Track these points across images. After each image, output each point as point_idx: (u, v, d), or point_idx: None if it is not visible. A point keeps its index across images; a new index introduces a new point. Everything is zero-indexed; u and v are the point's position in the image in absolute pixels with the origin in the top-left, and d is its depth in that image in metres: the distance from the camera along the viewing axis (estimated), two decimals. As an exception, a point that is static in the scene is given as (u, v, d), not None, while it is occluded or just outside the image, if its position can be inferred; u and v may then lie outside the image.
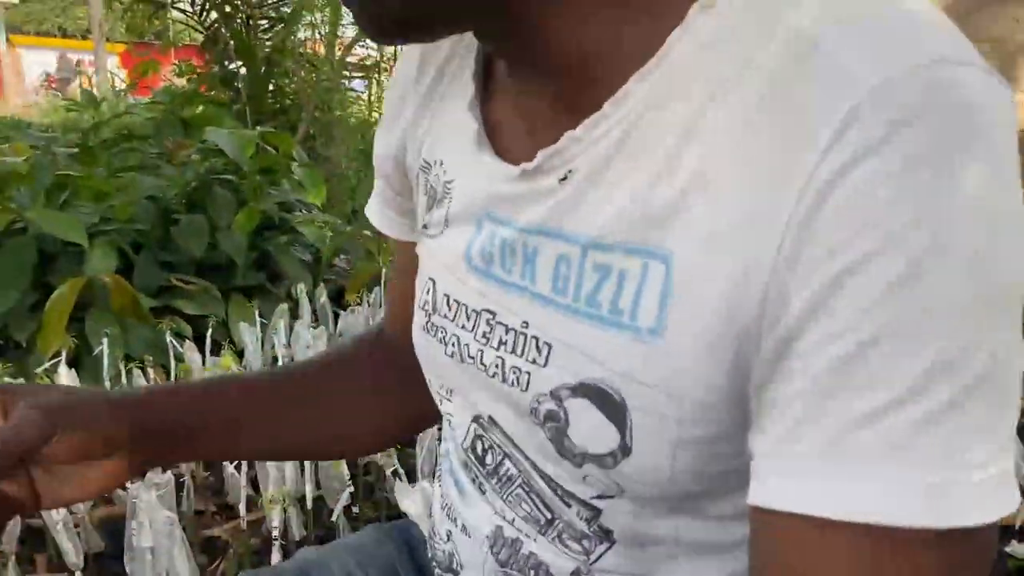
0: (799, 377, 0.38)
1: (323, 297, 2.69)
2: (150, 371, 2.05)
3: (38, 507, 0.57)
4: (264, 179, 3.12)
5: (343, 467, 1.46)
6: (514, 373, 0.51)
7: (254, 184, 2.97)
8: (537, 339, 0.50)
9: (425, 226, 0.62)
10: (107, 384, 2.10)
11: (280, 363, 2.20)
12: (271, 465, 1.41)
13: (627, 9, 0.44)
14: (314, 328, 2.52)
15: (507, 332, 0.52)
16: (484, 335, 0.54)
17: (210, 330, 2.31)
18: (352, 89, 6.21)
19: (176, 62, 5.75)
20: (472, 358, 0.55)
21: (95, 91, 8.50)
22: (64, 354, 1.98)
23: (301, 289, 2.51)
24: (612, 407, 0.46)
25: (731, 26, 0.41)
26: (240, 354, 2.60)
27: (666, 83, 0.43)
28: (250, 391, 0.70)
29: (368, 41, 6.25)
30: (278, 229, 3.04)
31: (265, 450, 0.78)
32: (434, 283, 0.60)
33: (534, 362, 0.50)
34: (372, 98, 6.63)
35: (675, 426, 0.44)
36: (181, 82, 5.43)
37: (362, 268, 3.26)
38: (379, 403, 0.75)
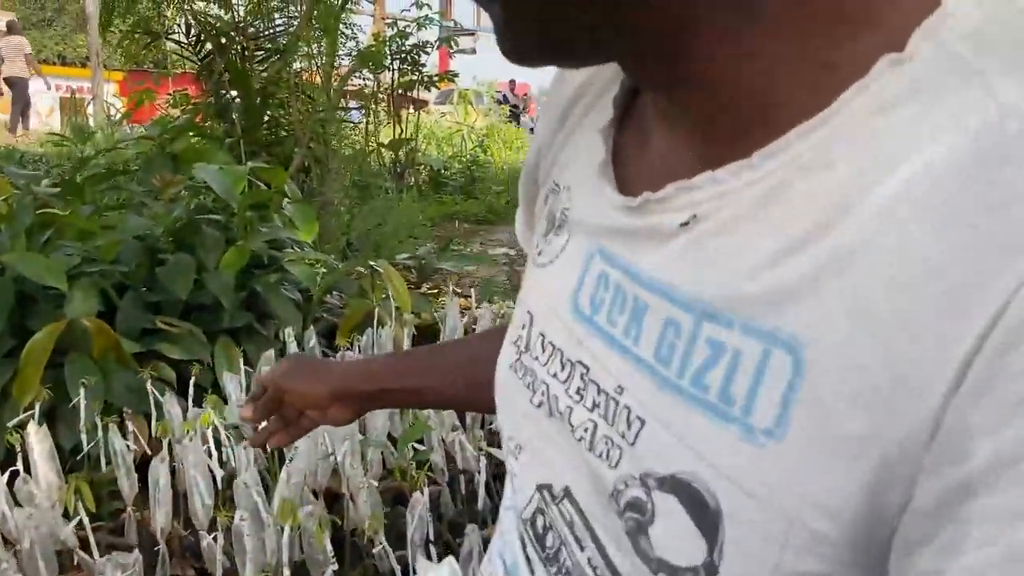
0: (976, 548, 0.29)
1: (312, 340, 2.59)
2: (129, 424, 1.95)
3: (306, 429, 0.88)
4: (254, 214, 3.04)
5: (326, 540, 1.36)
6: (605, 443, 0.44)
7: (244, 222, 2.89)
8: (630, 410, 0.42)
9: (539, 252, 0.56)
10: (83, 437, 2.00)
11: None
12: (247, 537, 1.31)
13: (810, 60, 0.37)
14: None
15: (599, 393, 0.45)
16: (578, 391, 0.47)
17: (193, 379, 2.21)
18: (348, 120, 6.16)
19: (172, 92, 5.70)
20: (561, 413, 0.48)
21: (91, 120, 8.47)
22: (37, 407, 1.88)
23: (289, 333, 2.41)
24: (704, 513, 0.37)
25: (923, 88, 0.33)
26: (226, 400, 2.50)
27: (830, 144, 0.35)
28: (449, 353, 0.88)
29: (364, 72, 6.21)
30: (267, 267, 2.95)
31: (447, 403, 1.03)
32: (531, 319, 0.54)
33: (623, 436, 0.42)
34: (369, 127, 6.57)
35: (777, 552, 0.35)
36: (177, 111, 5.37)
37: (355, 306, 3.17)
38: None
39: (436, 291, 4.23)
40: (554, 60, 0.44)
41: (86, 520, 1.47)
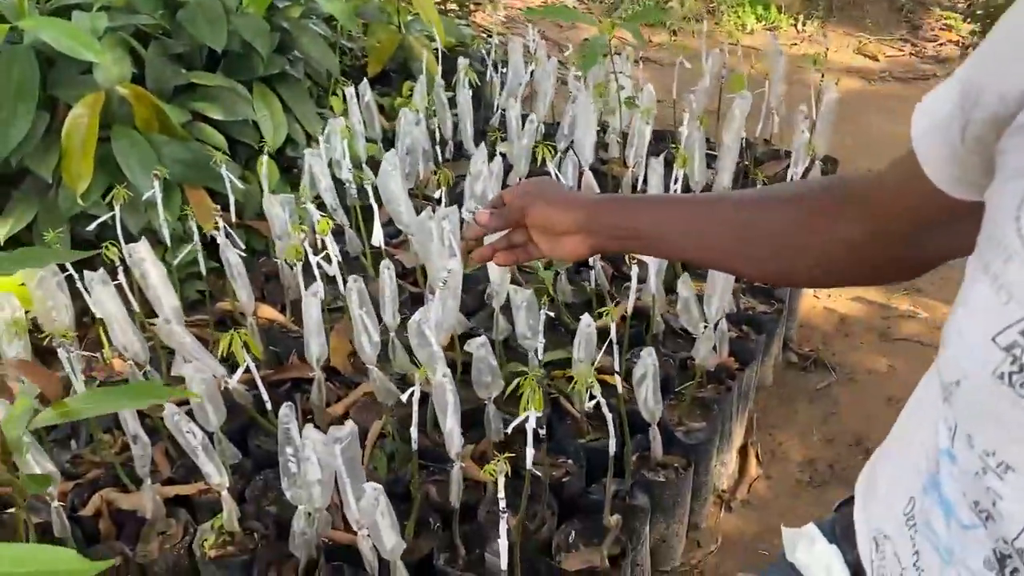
0: None
1: (368, 94, 2.36)
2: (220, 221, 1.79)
3: (531, 256, 0.88)
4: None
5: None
6: None
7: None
8: None
9: None
10: (165, 231, 1.85)
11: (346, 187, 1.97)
12: (449, 392, 1.26)
13: None
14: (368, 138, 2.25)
15: None
16: None
17: (266, 153, 2.01)
18: None
19: None
20: None
21: None
22: (117, 209, 1.71)
23: (351, 95, 2.18)
24: None
25: None
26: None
27: None
28: (711, 211, 0.78)
29: None
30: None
31: (710, 263, 0.88)
32: None
33: None
34: None
35: None
36: None
37: (383, 34, 2.89)
38: (848, 253, 0.69)
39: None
40: None
41: (257, 377, 1.39)
